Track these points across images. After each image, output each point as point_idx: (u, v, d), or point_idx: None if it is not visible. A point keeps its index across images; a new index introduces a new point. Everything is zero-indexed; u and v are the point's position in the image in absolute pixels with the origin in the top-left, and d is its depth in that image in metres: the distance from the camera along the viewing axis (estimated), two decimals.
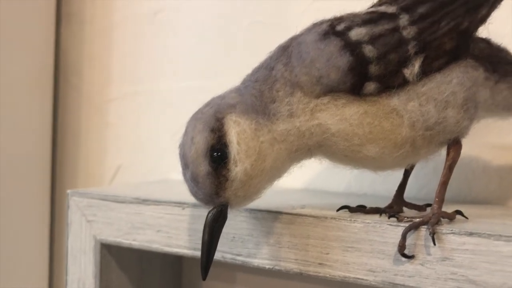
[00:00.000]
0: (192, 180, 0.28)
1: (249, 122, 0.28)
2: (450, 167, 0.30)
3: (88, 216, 0.40)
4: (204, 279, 0.29)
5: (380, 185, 0.43)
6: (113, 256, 0.40)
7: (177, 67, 0.53)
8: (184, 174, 0.29)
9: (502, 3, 0.35)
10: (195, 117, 0.29)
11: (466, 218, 0.31)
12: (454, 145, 0.30)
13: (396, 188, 0.41)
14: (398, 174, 0.41)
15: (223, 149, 0.28)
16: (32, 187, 0.56)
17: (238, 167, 0.27)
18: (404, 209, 0.33)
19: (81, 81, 0.59)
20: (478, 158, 0.40)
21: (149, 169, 0.55)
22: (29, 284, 0.56)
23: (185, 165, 0.28)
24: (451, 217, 0.30)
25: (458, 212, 0.31)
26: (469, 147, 0.40)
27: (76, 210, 0.40)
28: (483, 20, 0.30)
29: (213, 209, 0.28)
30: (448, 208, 0.31)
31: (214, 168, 0.28)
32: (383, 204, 0.34)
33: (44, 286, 0.57)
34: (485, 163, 0.40)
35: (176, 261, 0.48)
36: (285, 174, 0.31)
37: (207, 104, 0.30)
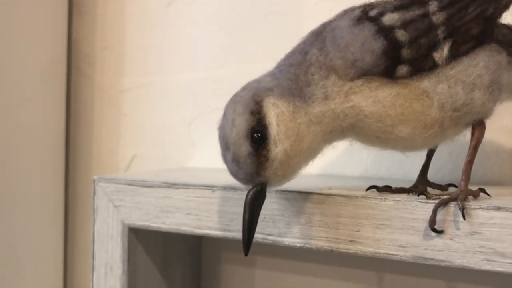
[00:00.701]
0: (234, 161, 0.29)
1: (286, 104, 0.29)
2: (475, 147, 0.31)
3: (115, 201, 0.41)
4: (246, 255, 0.30)
5: (397, 169, 0.45)
6: (139, 240, 0.41)
7: (190, 58, 0.54)
8: (224, 156, 0.30)
9: None
10: (234, 100, 0.30)
11: (489, 195, 0.32)
12: (479, 126, 0.31)
13: (412, 172, 0.43)
14: (414, 159, 0.43)
15: (263, 130, 0.29)
16: (46, 176, 0.57)
17: (278, 147, 0.29)
18: (428, 188, 0.35)
19: (94, 71, 0.60)
20: (492, 141, 0.42)
21: (163, 159, 0.55)
22: (44, 272, 0.56)
23: (226, 147, 0.29)
24: (475, 195, 0.31)
25: (482, 190, 0.32)
26: None
27: (103, 195, 0.41)
28: (507, 6, 0.31)
29: (253, 188, 0.29)
30: (498, 190, 0.33)
31: (255, 149, 0.29)
32: None
33: (59, 274, 0.58)
34: (498, 146, 0.41)
35: (196, 246, 0.49)
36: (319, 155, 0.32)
37: (244, 88, 0.31)
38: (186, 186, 0.38)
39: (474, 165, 0.42)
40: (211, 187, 0.37)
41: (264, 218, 0.35)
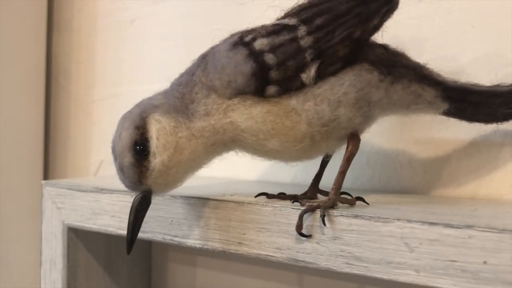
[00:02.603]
0: (120, 170, 0.33)
1: (169, 120, 0.33)
2: (348, 159, 0.34)
3: (57, 204, 0.45)
4: (128, 253, 0.33)
5: (324, 175, 0.48)
6: (80, 238, 0.46)
7: (150, 70, 0.58)
8: (115, 165, 0.34)
9: (429, 8, 0.40)
10: (125, 116, 0.34)
11: (367, 204, 0.35)
12: (352, 139, 0.34)
13: (334, 180, 0.45)
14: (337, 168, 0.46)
15: (145, 143, 0.32)
16: (26, 179, 0.63)
17: (157, 159, 0.32)
18: (319, 195, 0.38)
19: (69, 83, 0.65)
20: (405, 151, 0.44)
21: None
22: (22, 275, 0.62)
23: (115, 157, 0.33)
24: (351, 203, 0.34)
25: (359, 199, 0.35)
26: (397, 141, 0.44)
27: (48, 198, 0.46)
28: (376, 29, 0.34)
29: (138, 194, 0.33)
30: (373, 197, 0.36)
31: (136, 159, 0.32)
32: None
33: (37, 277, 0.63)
34: (411, 156, 0.44)
35: (145, 246, 0.53)
36: (207, 165, 0.36)
37: (137, 105, 0.35)
38: (111, 191, 0.42)
39: (389, 174, 0.45)
40: (131, 193, 0.41)
41: (172, 221, 0.39)
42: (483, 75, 0.40)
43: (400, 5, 0.44)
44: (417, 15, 0.43)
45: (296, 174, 0.49)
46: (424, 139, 0.43)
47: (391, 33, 0.44)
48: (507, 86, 0.35)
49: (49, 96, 0.66)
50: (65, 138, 0.65)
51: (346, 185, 0.46)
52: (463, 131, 0.41)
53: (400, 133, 0.44)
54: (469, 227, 0.28)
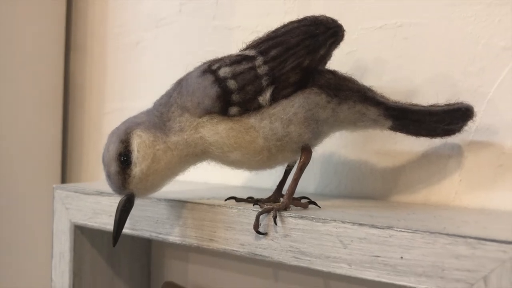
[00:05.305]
0: (107, 177, 0.39)
1: (148, 135, 0.39)
2: (300, 168, 0.39)
3: (66, 205, 0.52)
4: (114, 246, 0.40)
5: (300, 182, 0.53)
6: (85, 235, 0.53)
7: (152, 87, 0.65)
8: (104, 172, 0.40)
9: (387, 34, 0.45)
10: (113, 132, 0.41)
11: (319, 207, 0.40)
12: (304, 151, 0.39)
13: (309, 186, 0.51)
14: (311, 175, 0.51)
15: (128, 155, 0.39)
16: (46, 182, 0.70)
17: (137, 167, 0.39)
18: (281, 199, 0.43)
19: (83, 98, 0.73)
20: (367, 162, 0.49)
21: None
22: (36, 264, 0.70)
23: (104, 166, 0.40)
24: (304, 206, 0.40)
25: (312, 202, 0.40)
26: (360, 153, 0.50)
27: (59, 200, 0.53)
28: (323, 58, 0.39)
29: (123, 197, 0.40)
30: (332, 202, 0.41)
31: (121, 168, 0.39)
32: None
33: None
34: (372, 166, 0.49)
35: (145, 243, 0.60)
36: (184, 173, 0.42)
37: (123, 122, 0.41)
38: (110, 194, 0.48)
39: (353, 182, 0.50)
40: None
41: (157, 220, 0.45)
42: (434, 94, 0.45)
43: (363, 31, 0.50)
44: (377, 40, 0.48)
45: (275, 180, 0.54)
46: (383, 151, 0.48)
47: (356, 56, 0.50)
48: (441, 106, 0.40)
49: (66, 109, 0.74)
50: (79, 146, 0.73)
51: (317, 190, 0.52)
52: (416, 144, 0.46)
53: (362, 146, 0.49)
54: (389, 227, 0.34)
